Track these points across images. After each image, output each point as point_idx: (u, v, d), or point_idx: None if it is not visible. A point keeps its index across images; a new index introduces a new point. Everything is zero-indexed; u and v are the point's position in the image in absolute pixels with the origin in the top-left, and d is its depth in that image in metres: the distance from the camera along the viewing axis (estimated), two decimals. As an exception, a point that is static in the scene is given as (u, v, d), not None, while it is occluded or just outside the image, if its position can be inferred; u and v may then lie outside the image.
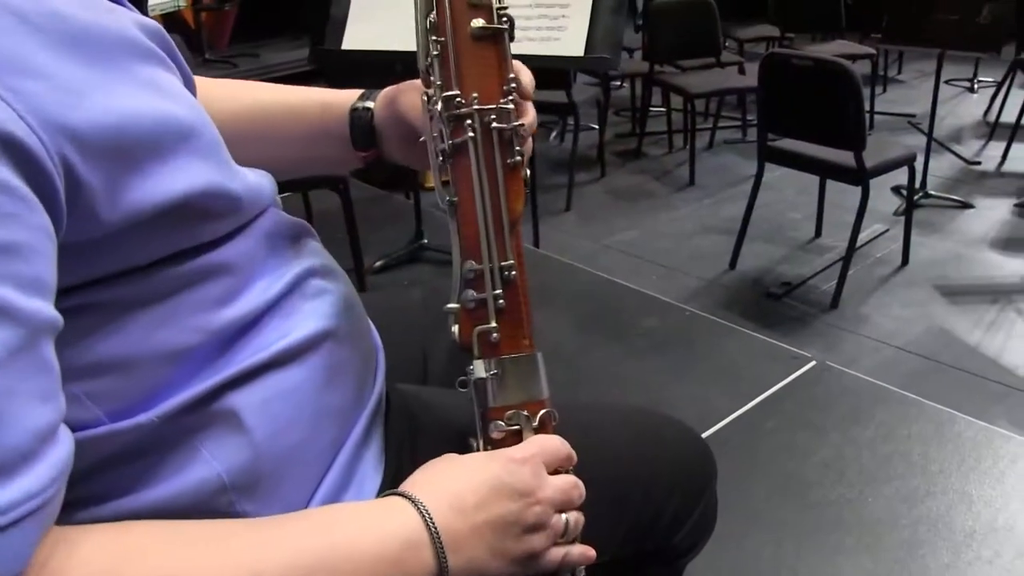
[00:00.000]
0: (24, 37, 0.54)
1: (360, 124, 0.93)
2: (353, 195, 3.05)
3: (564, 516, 0.74)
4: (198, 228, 0.66)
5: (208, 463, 0.66)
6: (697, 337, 2.76)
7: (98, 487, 0.63)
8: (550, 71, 4.04)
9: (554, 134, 5.57)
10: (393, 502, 0.69)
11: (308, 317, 0.75)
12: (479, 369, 0.76)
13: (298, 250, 0.79)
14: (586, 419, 0.85)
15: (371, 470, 0.80)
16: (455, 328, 0.77)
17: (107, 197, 0.57)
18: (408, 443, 0.86)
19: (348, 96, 0.95)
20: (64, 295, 0.57)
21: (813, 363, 2.52)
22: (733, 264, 3.69)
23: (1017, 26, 4.44)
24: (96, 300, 0.61)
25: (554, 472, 0.76)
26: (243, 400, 0.68)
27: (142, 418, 0.63)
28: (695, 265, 3.74)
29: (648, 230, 4.17)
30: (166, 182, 0.61)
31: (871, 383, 2.44)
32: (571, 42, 1.95)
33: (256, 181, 0.75)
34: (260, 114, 0.96)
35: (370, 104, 0.93)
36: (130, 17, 0.66)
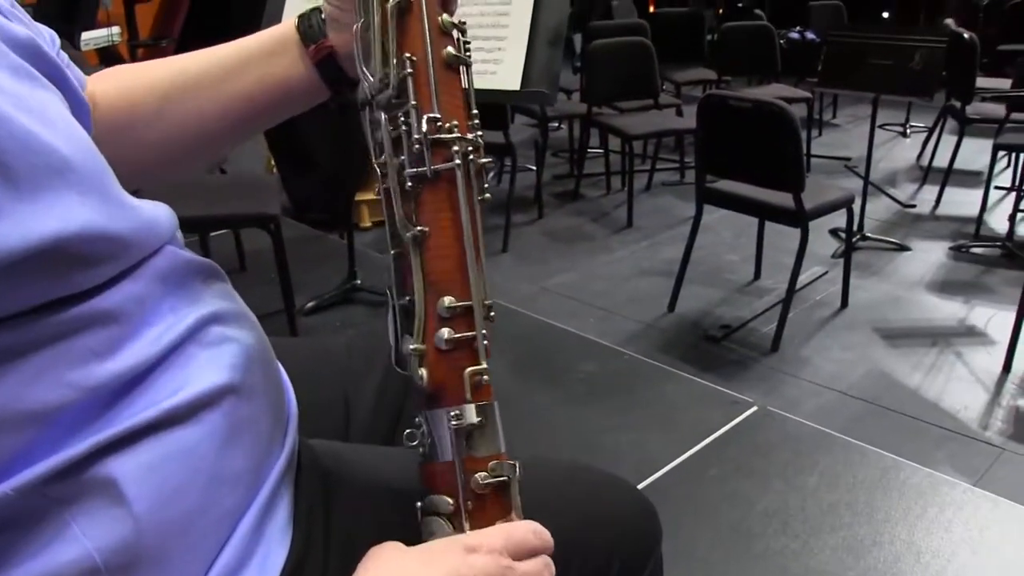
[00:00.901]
0: None
1: (308, 24, 0.84)
2: (285, 235, 2.95)
3: None
4: (74, 275, 0.56)
5: (78, 540, 0.56)
6: (636, 382, 2.70)
7: None
8: (488, 111, 4.00)
9: (491, 175, 5.52)
10: None
11: (207, 369, 0.65)
12: (470, 414, 0.66)
13: (199, 293, 0.69)
14: (524, 476, 0.77)
15: (276, 542, 0.70)
16: (422, 371, 0.67)
17: None
18: (320, 507, 0.77)
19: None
20: None
21: (755, 408, 2.47)
22: (672, 307, 3.64)
23: (946, 73, 4.50)
24: None
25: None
26: (124, 466, 0.58)
27: None
28: (633, 308, 3.69)
29: (586, 272, 4.11)
30: (29, 223, 0.52)
31: (814, 428, 2.39)
32: (507, 76, 1.88)
33: (150, 216, 0.65)
34: (190, 72, 0.87)
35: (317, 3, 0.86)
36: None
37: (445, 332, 0.67)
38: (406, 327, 0.68)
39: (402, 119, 0.68)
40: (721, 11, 7.82)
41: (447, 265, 0.67)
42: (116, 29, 5.18)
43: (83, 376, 0.57)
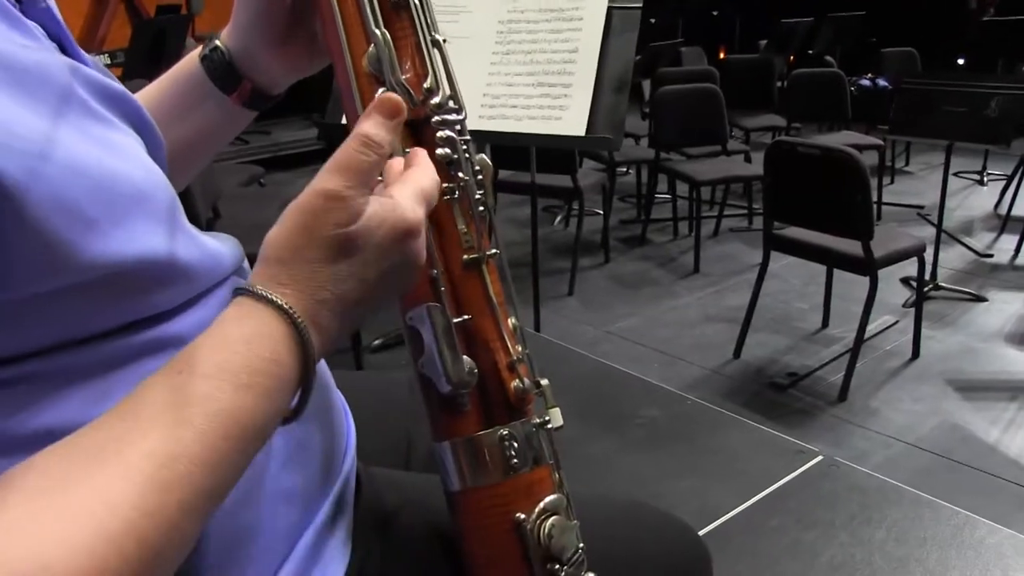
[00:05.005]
0: None
1: (218, 67, 0.85)
2: (353, 272, 2.98)
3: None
4: (144, 299, 0.59)
5: None
6: (699, 428, 2.66)
7: None
8: (556, 155, 4.02)
9: (559, 218, 5.54)
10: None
11: None
12: (557, 417, 0.76)
13: None
14: (578, 511, 0.78)
15: (334, 561, 0.72)
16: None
17: (44, 256, 0.50)
18: (378, 530, 0.79)
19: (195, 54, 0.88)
20: None
21: (820, 458, 2.41)
22: (737, 353, 3.60)
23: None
24: (29, 372, 0.54)
25: None
26: None
27: None
28: (698, 354, 3.65)
29: (651, 317, 4.09)
30: (113, 245, 0.54)
31: (882, 480, 2.33)
32: (573, 121, 1.90)
33: (214, 249, 0.68)
34: None
35: (216, 42, 0.86)
36: (66, 63, 0.60)
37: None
38: None
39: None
40: (792, 58, 7.76)
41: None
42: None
43: None
